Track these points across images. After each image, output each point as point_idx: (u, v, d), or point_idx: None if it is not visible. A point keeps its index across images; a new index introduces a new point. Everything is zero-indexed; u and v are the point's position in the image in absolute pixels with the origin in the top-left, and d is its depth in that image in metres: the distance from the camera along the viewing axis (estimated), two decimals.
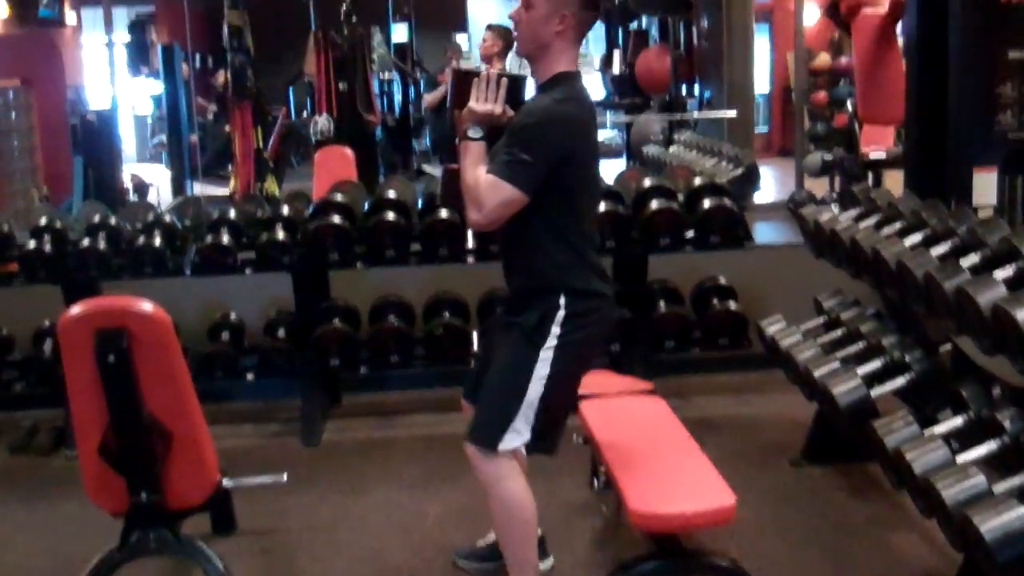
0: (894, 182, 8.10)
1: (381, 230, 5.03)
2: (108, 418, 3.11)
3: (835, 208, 4.63)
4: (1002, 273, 3.27)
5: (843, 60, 11.24)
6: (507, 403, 3.11)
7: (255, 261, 5.11)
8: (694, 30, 10.50)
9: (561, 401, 3.25)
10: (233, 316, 5.49)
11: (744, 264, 5.44)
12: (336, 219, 5.03)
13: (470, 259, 5.13)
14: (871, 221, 4.26)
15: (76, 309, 3.10)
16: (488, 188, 2.96)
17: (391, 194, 5.19)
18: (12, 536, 4.22)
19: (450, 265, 5.13)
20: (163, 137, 12.68)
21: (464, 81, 3.10)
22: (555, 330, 3.09)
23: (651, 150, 8.40)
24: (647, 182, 5.19)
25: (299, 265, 5.13)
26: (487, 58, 6.54)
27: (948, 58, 5.16)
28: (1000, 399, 3.48)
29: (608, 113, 12.82)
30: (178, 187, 11.61)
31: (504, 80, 3.06)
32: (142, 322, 3.08)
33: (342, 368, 5.21)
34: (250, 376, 5.26)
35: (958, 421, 3.51)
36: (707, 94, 10.53)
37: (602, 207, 4.82)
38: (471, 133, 3.05)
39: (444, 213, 4.99)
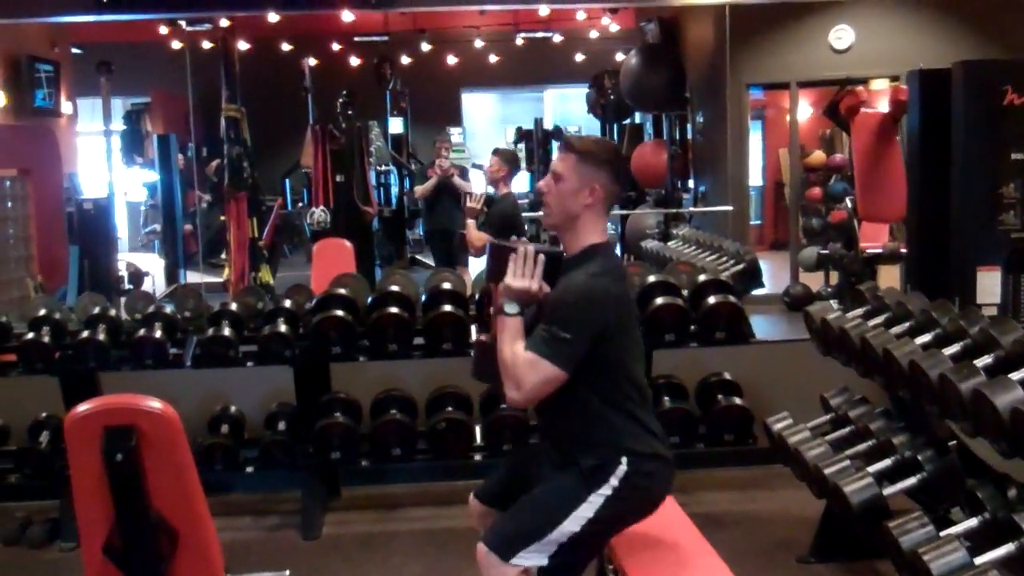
0: (889, 277, 8.16)
1: (384, 324, 5.01)
2: (114, 517, 3.04)
3: (834, 304, 4.63)
4: (1018, 375, 3.26)
5: (837, 157, 11.39)
6: (537, 525, 3.08)
7: (257, 354, 5.07)
8: (688, 126, 10.65)
9: (589, 549, 3.22)
10: (233, 408, 5.44)
11: (747, 360, 5.43)
12: (339, 312, 5.01)
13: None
14: (879, 319, 4.26)
15: (85, 406, 3.04)
16: (527, 367, 2.96)
17: (394, 287, 5.19)
18: None
19: (453, 359, 5.08)
20: (156, 226, 12.69)
21: (501, 254, 3.12)
22: (613, 482, 3.08)
23: (649, 244, 8.44)
24: (651, 278, 5.19)
25: (301, 358, 5.09)
26: (494, 182, 6.65)
27: (951, 158, 5.22)
28: (1016, 499, 3.45)
29: None
30: (171, 275, 11.60)
31: (541, 257, 3.08)
32: (151, 420, 3.02)
33: (343, 461, 5.14)
34: (250, 468, 5.19)
35: (974, 522, 3.47)
36: (702, 188, 10.64)
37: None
38: (508, 309, 3.06)
39: (448, 307, 4.98)
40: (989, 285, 5.16)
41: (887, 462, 4.01)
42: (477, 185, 10.28)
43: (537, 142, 13.80)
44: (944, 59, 5.80)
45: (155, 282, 11.29)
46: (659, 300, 5.04)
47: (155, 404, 3.05)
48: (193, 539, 3.11)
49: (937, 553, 3.22)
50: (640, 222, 10.18)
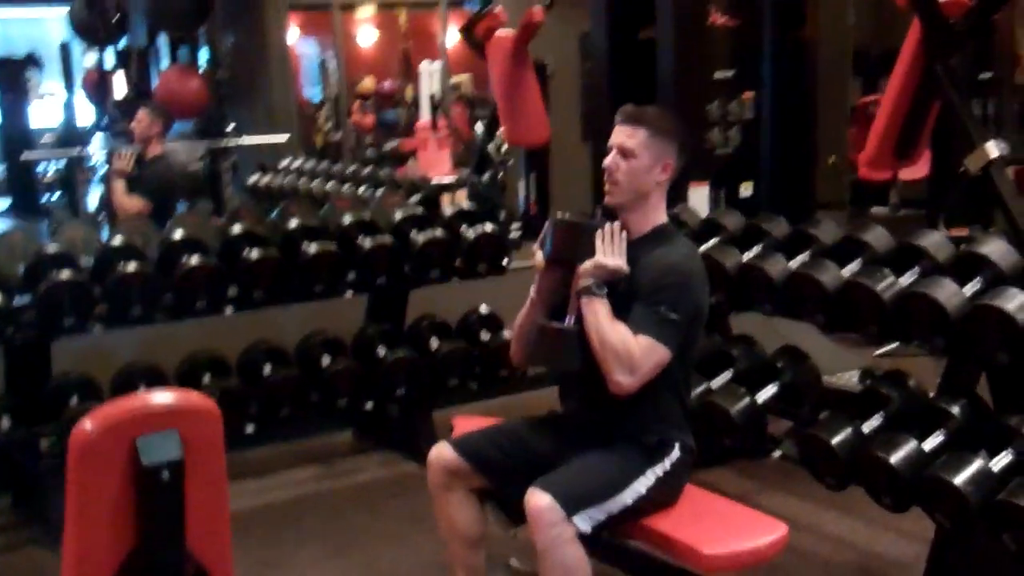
0: None
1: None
2: (131, 557, 2.24)
3: None
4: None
5: (386, 84, 11.27)
6: (603, 488, 2.87)
7: None
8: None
9: (622, 527, 3.00)
10: None
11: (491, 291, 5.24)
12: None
13: (229, 309, 4.43)
14: None
15: (109, 410, 2.21)
16: (645, 351, 2.84)
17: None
18: None
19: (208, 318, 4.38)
20: None
21: (578, 232, 2.97)
22: (666, 464, 2.98)
23: (266, 180, 7.76)
24: (400, 213, 4.86)
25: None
26: (144, 140, 5.89)
27: (657, 77, 5.42)
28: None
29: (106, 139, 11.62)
30: None
31: (624, 234, 2.94)
32: (196, 422, 2.28)
33: None
34: None
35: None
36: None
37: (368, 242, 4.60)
38: (597, 290, 2.89)
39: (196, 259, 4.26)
40: (699, 199, 5.46)
41: (727, 374, 4.14)
42: None
43: None
44: None
45: None
46: (420, 237, 4.74)
47: (200, 400, 2.32)
48: None
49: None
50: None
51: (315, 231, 4.58)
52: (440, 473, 3.11)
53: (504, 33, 6.75)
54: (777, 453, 3.97)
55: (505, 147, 7.27)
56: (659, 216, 3.06)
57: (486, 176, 7.13)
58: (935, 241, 3.74)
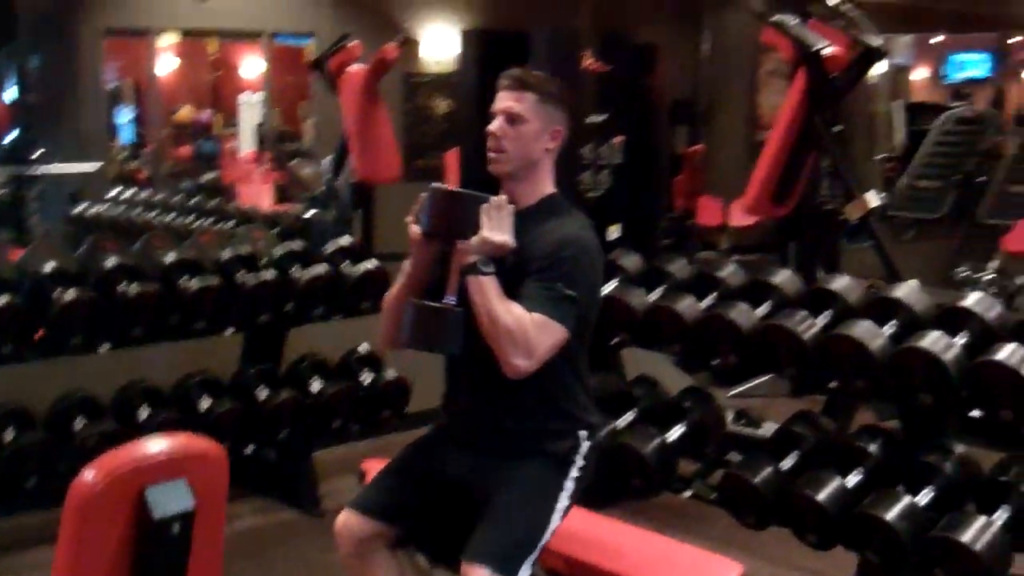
0: None
1: None
2: None
3: None
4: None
5: (203, 115, 10.84)
6: (532, 530, 2.67)
7: None
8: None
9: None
10: None
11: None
12: None
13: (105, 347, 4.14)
14: None
15: (113, 459, 2.00)
16: (540, 330, 2.59)
17: None
18: None
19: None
20: None
21: (460, 203, 2.68)
22: (579, 461, 2.80)
23: (96, 210, 7.29)
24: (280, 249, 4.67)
25: None
26: None
27: None
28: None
29: None
30: None
31: (512, 207, 2.68)
32: (205, 469, 2.10)
33: None
34: None
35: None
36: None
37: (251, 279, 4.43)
38: (484, 267, 2.62)
39: None
40: None
41: (631, 415, 4.17)
42: None
43: None
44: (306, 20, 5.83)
45: None
46: (312, 270, 4.60)
47: (206, 444, 2.14)
48: None
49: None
50: None
51: (132, 271, 4.26)
52: (353, 544, 2.83)
53: (357, 68, 6.68)
54: (687, 493, 4.00)
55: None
56: (548, 187, 2.85)
57: (332, 212, 7.00)
58: (786, 278, 3.99)
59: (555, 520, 2.71)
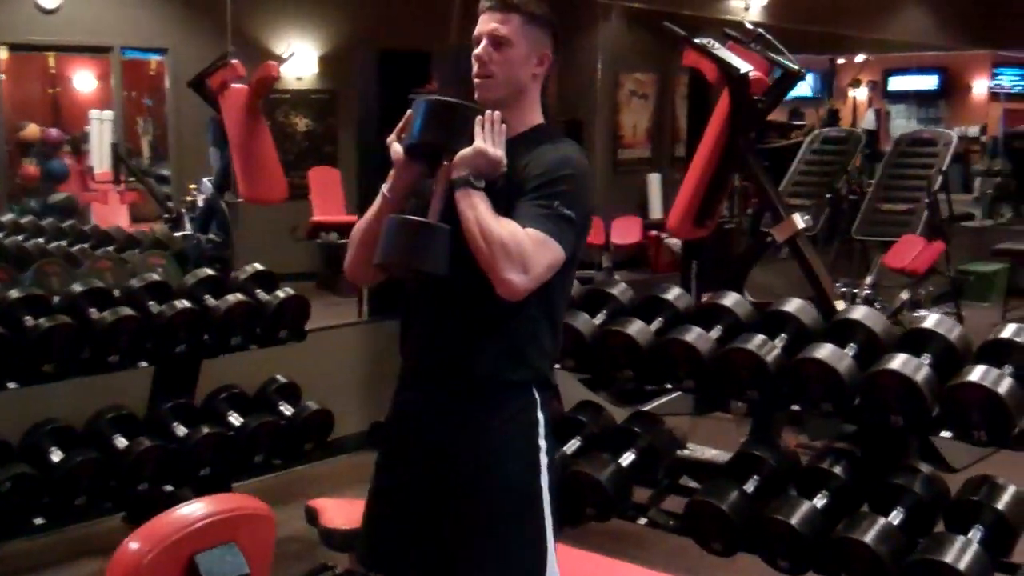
0: None
1: None
2: None
3: None
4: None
5: (52, 132, 10.11)
6: (533, 560, 2.47)
7: None
8: None
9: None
10: None
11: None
12: None
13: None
14: None
15: (159, 525, 1.79)
16: (538, 247, 2.34)
17: None
18: None
19: None
20: None
21: (452, 114, 2.44)
22: (542, 444, 2.53)
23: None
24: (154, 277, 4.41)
25: None
26: None
27: None
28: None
29: None
30: None
31: (505, 127, 2.47)
32: (254, 531, 1.91)
33: None
34: None
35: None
36: None
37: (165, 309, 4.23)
38: (476, 181, 2.40)
39: None
40: None
41: (576, 441, 4.08)
42: None
43: None
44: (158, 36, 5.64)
45: None
46: (230, 298, 4.36)
47: (253, 502, 1.96)
48: None
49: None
50: None
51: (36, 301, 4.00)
52: None
53: (239, 86, 6.40)
54: (642, 520, 3.93)
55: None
56: (537, 116, 2.61)
57: (214, 234, 6.68)
58: (677, 294, 4.08)
59: (551, 558, 2.50)
